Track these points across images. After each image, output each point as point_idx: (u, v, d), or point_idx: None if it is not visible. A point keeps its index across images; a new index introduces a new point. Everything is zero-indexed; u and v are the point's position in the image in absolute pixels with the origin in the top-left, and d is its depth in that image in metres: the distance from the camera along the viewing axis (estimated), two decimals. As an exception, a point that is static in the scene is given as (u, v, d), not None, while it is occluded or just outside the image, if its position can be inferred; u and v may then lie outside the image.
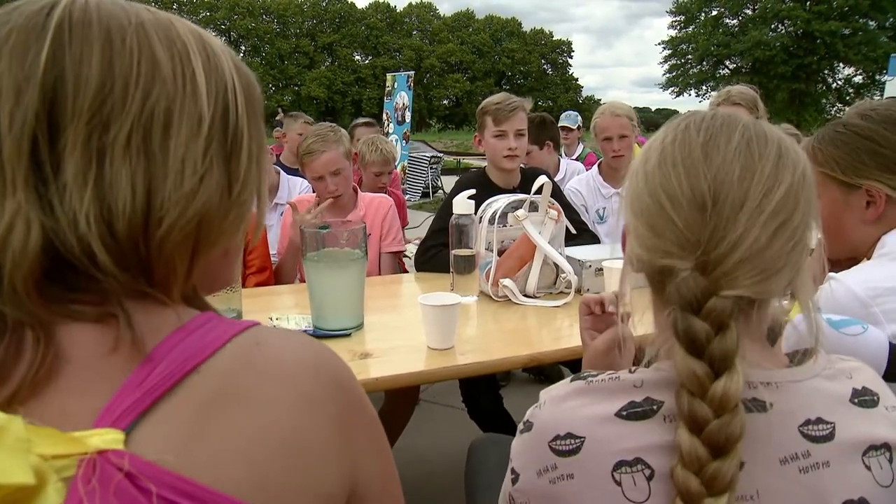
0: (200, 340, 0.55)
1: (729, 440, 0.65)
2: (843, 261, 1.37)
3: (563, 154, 4.77)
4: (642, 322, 0.84)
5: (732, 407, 0.66)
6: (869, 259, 1.26)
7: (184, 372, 0.53)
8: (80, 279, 0.54)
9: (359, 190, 2.70)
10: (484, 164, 2.59)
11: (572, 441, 0.73)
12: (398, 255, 2.74)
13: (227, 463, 0.52)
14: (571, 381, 0.79)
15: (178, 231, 0.57)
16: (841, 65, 43.07)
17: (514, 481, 0.80)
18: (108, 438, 0.48)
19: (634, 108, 3.14)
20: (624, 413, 0.72)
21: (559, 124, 4.52)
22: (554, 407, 0.77)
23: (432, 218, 2.52)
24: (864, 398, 0.76)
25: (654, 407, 0.72)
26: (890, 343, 1.03)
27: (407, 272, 3.03)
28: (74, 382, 0.51)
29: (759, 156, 0.72)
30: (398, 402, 2.34)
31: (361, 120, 4.66)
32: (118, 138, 0.55)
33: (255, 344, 0.57)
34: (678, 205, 0.72)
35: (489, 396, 2.37)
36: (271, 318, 1.70)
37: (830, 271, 1.24)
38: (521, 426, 0.81)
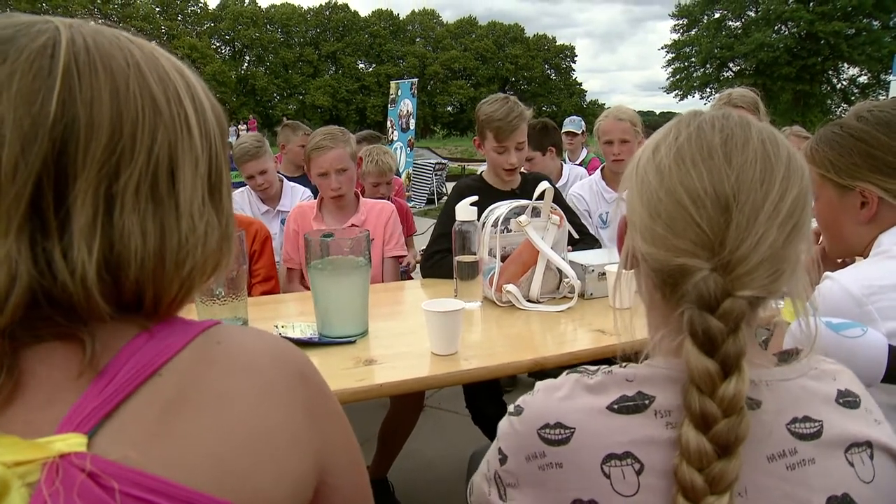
0: (161, 344, 0.56)
1: (737, 440, 0.67)
2: (846, 261, 1.38)
3: (567, 159, 4.77)
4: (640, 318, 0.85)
5: (740, 408, 0.67)
6: (865, 258, 1.27)
7: (145, 375, 0.54)
8: (48, 313, 0.53)
9: (360, 196, 2.72)
10: (481, 168, 2.60)
11: (562, 431, 0.74)
12: (400, 260, 2.75)
13: (194, 459, 0.53)
14: (567, 374, 0.80)
15: (198, 272, 0.60)
16: (845, 65, 42.93)
17: (503, 461, 0.80)
18: (70, 442, 0.49)
19: (638, 111, 3.16)
20: (615, 406, 0.73)
21: (563, 130, 4.50)
22: (546, 395, 0.78)
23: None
24: (847, 399, 0.78)
25: (646, 401, 0.73)
26: (889, 345, 1.03)
27: (411, 279, 3.04)
28: (38, 397, 0.52)
29: (776, 158, 0.73)
30: (403, 408, 2.35)
31: (365, 133, 4.64)
32: (128, 186, 0.54)
33: (215, 343, 0.59)
34: (701, 205, 0.71)
35: (492, 403, 2.37)
36: (277, 327, 1.71)
37: (833, 270, 1.24)
38: (511, 408, 0.81)
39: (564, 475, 0.73)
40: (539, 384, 0.81)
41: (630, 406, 0.73)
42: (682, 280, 0.72)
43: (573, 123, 5.14)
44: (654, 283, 0.78)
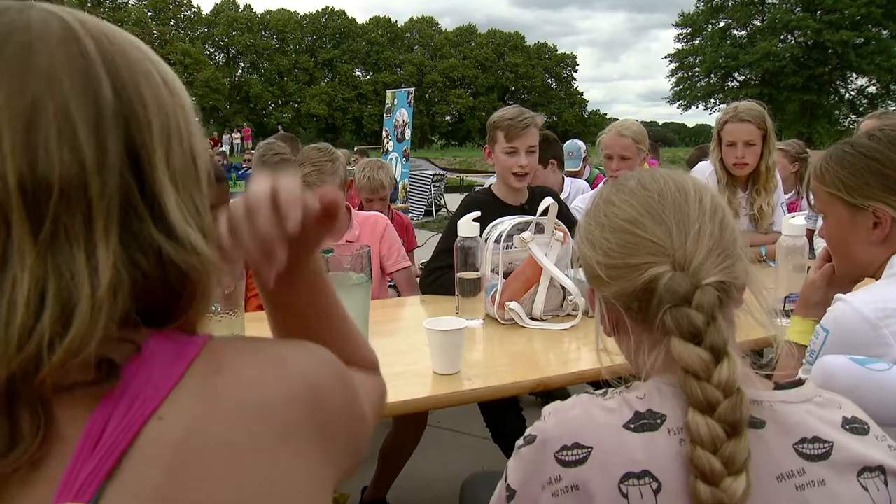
0: (156, 373, 0.50)
1: (742, 419, 0.71)
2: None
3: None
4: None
5: (736, 389, 0.72)
6: (878, 279, 1.24)
7: (144, 417, 0.47)
8: None
9: (352, 209, 2.69)
10: (488, 181, 2.57)
11: (579, 451, 0.75)
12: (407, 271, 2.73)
13: None
14: (577, 396, 0.82)
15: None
16: (854, 75, 42.78)
17: (510, 498, 0.81)
18: None
19: (641, 122, 3.14)
20: (632, 425, 0.75)
21: (566, 169, 4.22)
22: (559, 418, 0.80)
23: (435, 237, 2.51)
24: (854, 426, 0.80)
25: (658, 420, 0.75)
26: None
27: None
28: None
29: (682, 180, 0.86)
30: (406, 427, 2.31)
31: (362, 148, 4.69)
32: (181, 172, 0.54)
33: (213, 373, 0.52)
34: (641, 225, 0.82)
35: (515, 420, 2.31)
36: (275, 344, 1.67)
37: (844, 292, 1.22)
38: (520, 442, 0.82)
39: (580, 498, 0.73)
40: (547, 409, 0.82)
41: (645, 424, 0.75)
42: (654, 288, 0.78)
43: (571, 161, 4.59)
44: (636, 317, 0.83)
